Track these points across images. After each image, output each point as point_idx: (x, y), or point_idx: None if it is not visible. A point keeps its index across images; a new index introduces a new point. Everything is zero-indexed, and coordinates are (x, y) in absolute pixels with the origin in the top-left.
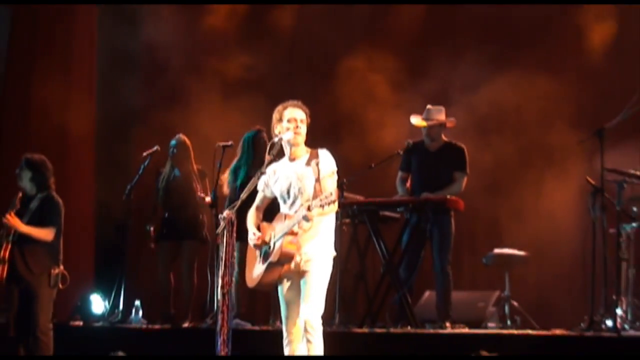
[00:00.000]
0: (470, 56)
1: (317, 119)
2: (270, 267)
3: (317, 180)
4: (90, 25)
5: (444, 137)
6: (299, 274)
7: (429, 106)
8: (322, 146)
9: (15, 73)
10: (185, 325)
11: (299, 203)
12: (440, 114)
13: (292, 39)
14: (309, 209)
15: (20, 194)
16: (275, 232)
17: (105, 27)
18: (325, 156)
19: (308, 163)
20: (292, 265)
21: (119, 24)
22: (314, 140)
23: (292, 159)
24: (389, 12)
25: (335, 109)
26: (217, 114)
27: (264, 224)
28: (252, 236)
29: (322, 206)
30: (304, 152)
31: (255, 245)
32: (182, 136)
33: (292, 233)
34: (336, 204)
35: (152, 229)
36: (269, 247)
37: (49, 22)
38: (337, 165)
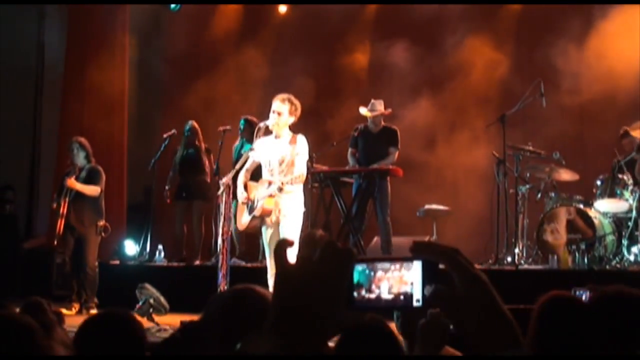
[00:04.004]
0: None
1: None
2: (253, 218)
3: (293, 160)
4: (124, 21)
5: (382, 122)
6: (279, 225)
7: (372, 100)
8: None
9: (72, 59)
10: (197, 263)
11: (277, 171)
12: (380, 106)
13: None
14: (282, 184)
15: (78, 165)
16: (259, 193)
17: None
18: (301, 142)
19: (289, 143)
20: (273, 218)
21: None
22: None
23: (276, 137)
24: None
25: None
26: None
27: (250, 183)
28: (241, 195)
29: (292, 183)
30: (286, 133)
31: (243, 203)
32: (193, 122)
33: (270, 196)
34: (302, 179)
35: (167, 189)
36: (253, 204)
37: (94, 18)
38: (309, 145)
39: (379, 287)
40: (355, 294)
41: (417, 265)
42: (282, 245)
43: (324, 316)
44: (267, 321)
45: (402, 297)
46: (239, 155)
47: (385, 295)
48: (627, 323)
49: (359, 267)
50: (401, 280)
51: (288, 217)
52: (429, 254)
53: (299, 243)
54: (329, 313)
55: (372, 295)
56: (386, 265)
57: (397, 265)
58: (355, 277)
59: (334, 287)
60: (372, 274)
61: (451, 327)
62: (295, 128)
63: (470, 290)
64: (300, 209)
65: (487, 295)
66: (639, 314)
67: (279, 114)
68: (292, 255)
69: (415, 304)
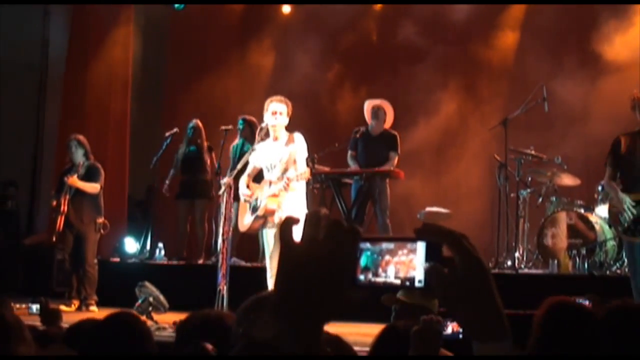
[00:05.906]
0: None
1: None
2: (256, 219)
3: (293, 159)
4: (127, 18)
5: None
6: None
7: (380, 102)
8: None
9: (74, 56)
10: (200, 261)
11: (279, 173)
12: (388, 109)
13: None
14: (288, 179)
15: (80, 163)
16: (262, 193)
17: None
18: (299, 140)
19: (287, 144)
20: (276, 219)
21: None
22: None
23: (275, 139)
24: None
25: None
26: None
27: (252, 184)
28: (243, 195)
29: (297, 180)
30: (284, 134)
31: (246, 200)
32: (196, 121)
33: (274, 195)
34: (307, 175)
35: (167, 184)
36: (256, 204)
37: (98, 15)
38: (307, 143)
39: (385, 272)
40: (362, 277)
41: (420, 247)
42: (288, 223)
43: (328, 296)
44: (271, 301)
45: (408, 282)
46: (240, 154)
47: (392, 280)
48: (634, 337)
49: (367, 252)
50: (409, 265)
51: None
52: (435, 235)
53: (304, 222)
54: (333, 293)
55: (379, 280)
56: (392, 247)
57: (405, 250)
58: (363, 262)
59: (340, 266)
60: (380, 258)
61: (444, 332)
62: (301, 125)
63: (469, 274)
64: (303, 210)
65: (485, 282)
66: None
67: (280, 113)
68: (297, 234)
69: (417, 284)
